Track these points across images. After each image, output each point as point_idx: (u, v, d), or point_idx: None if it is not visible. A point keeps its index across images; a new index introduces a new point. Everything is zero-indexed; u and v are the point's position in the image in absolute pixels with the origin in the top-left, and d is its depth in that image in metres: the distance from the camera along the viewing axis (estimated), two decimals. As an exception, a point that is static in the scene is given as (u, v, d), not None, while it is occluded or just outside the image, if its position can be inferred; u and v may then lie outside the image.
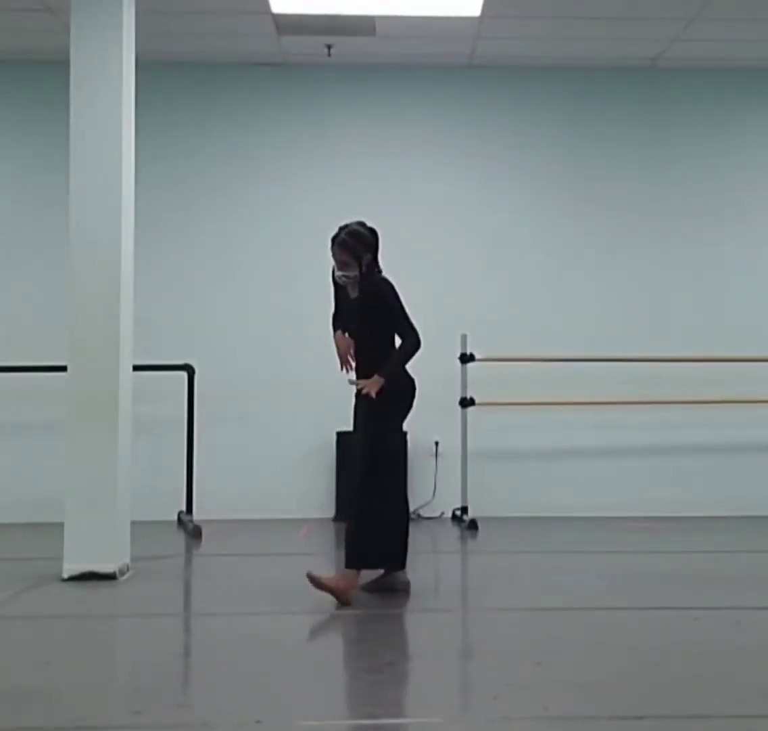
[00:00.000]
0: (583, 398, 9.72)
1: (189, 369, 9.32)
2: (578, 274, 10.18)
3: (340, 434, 9.72)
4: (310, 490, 9.89)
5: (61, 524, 6.78)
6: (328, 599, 5.95)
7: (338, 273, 6.33)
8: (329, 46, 9.58)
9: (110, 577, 6.68)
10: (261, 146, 10.14)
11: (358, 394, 6.35)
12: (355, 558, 6.11)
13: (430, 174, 10.16)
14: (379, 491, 6.16)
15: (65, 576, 6.69)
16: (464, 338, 9.47)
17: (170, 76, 9.99)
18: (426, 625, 5.69)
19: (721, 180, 10.31)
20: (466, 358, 9.43)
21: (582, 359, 9.66)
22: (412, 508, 9.76)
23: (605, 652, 4.95)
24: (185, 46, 9.67)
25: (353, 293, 6.36)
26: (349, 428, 9.47)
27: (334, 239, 6.36)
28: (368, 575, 6.28)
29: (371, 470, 6.16)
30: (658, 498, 9.93)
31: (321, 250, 10.03)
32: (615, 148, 10.26)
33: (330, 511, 9.79)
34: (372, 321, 6.30)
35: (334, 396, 9.76)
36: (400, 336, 6.34)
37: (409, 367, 6.35)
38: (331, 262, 6.36)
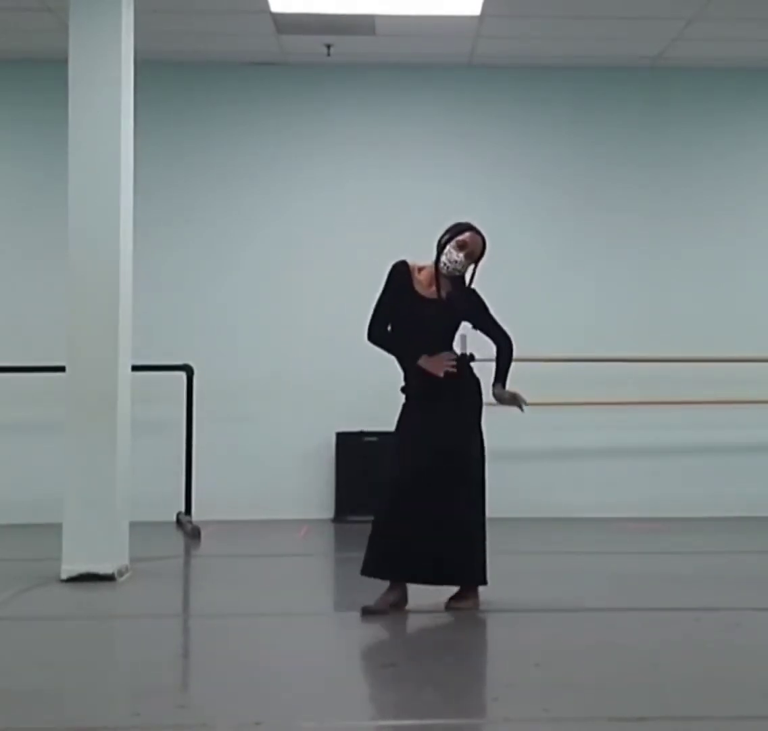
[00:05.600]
0: (583, 398, 9.70)
1: (188, 369, 9.31)
2: (578, 274, 10.16)
3: (339, 435, 9.70)
4: (309, 491, 9.86)
5: (60, 525, 6.77)
6: (327, 599, 5.94)
7: (456, 260, 5.91)
8: (329, 46, 9.55)
9: (109, 578, 6.65)
10: (260, 146, 10.12)
11: (423, 404, 5.91)
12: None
13: (429, 173, 10.14)
14: None
15: (64, 576, 6.67)
16: (464, 338, 9.41)
17: (169, 75, 9.95)
18: (426, 626, 5.68)
19: (721, 179, 10.29)
20: (466, 358, 9.39)
21: (582, 359, 9.65)
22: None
23: (606, 653, 4.95)
24: (184, 45, 9.65)
25: (435, 293, 5.93)
26: (349, 429, 9.61)
27: (467, 228, 6.02)
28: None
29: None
30: (659, 499, 9.90)
31: (321, 250, 10.14)
32: (615, 148, 10.24)
33: (329, 512, 9.76)
34: (457, 326, 6.12)
35: (334, 396, 9.80)
36: (497, 339, 6.23)
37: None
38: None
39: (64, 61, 6.96)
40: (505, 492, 9.84)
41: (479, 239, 6.01)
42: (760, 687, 4.37)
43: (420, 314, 5.90)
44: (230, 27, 9.22)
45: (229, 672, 4.64)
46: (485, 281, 10.05)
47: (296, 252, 10.05)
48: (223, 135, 10.15)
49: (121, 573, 6.77)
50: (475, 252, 5.99)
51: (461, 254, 5.92)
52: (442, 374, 5.86)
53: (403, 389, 6.00)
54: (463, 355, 6.16)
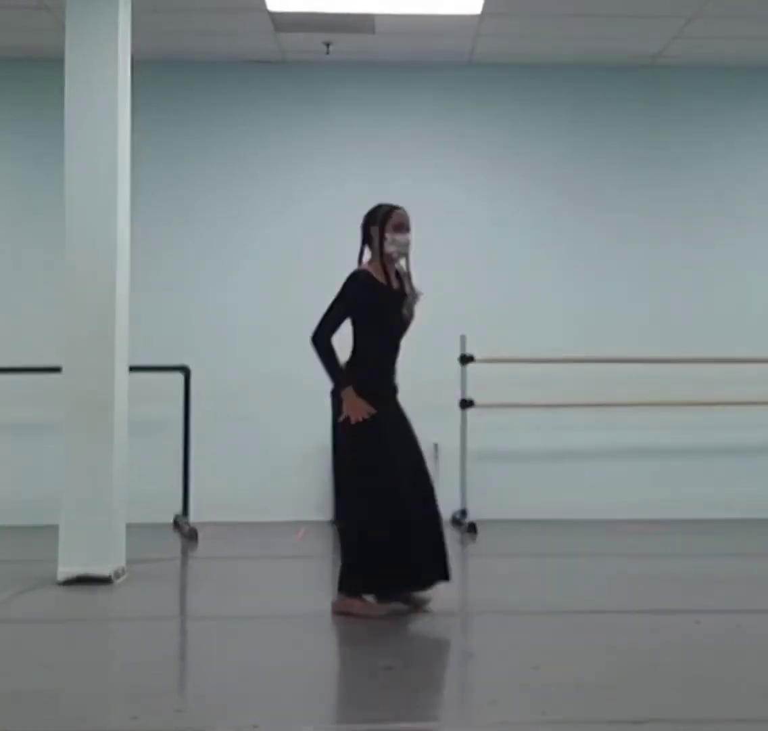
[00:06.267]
0: (583, 399, 9.68)
1: (185, 370, 9.29)
2: (578, 274, 10.15)
3: (338, 436, 9.67)
4: (307, 492, 9.84)
5: (57, 527, 6.75)
6: (325, 601, 5.92)
7: (404, 242, 5.85)
8: (328, 44, 9.54)
9: (106, 580, 6.63)
10: (259, 145, 10.11)
11: (390, 404, 5.89)
12: None
13: (429, 172, 10.12)
14: None
15: (60, 579, 6.65)
16: (464, 338, 9.44)
17: (166, 74, 9.93)
18: (425, 628, 5.66)
19: (721, 179, 10.28)
20: (465, 359, 9.41)
21: (582, 360, 9.63)
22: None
23: (605, 655, 4.93)
24: (182, 44, 9.63)
25: (397, 284, 5.91)
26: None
27: (389, 209, 5.90)
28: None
29: None
30: (659, 500, 9.89)
31: (321, 250, 10.11)
32: (615, 148, 10.23)
33: (327, 513, 9.73)
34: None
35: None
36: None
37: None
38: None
39: (60, 60, 6.94)
40: (504, 493, 9.85)
41: (404, 212, 5.92)
42: (761, 689, 4.36)
43: (400, 305, 5.86)
44: (228, 26, 9.20)
45: (227, 674, 4.63)
46: (486, 281, 10.10)
47: (296, 252, 10.03)
48: (221, 134, 10.13)
49: (117, 575, 6.75)
50: (409, 226, 5.90)
51: (405, 235, 5.86)
52: (349, 419, 5.75)
53: (359, 387, 5.77)
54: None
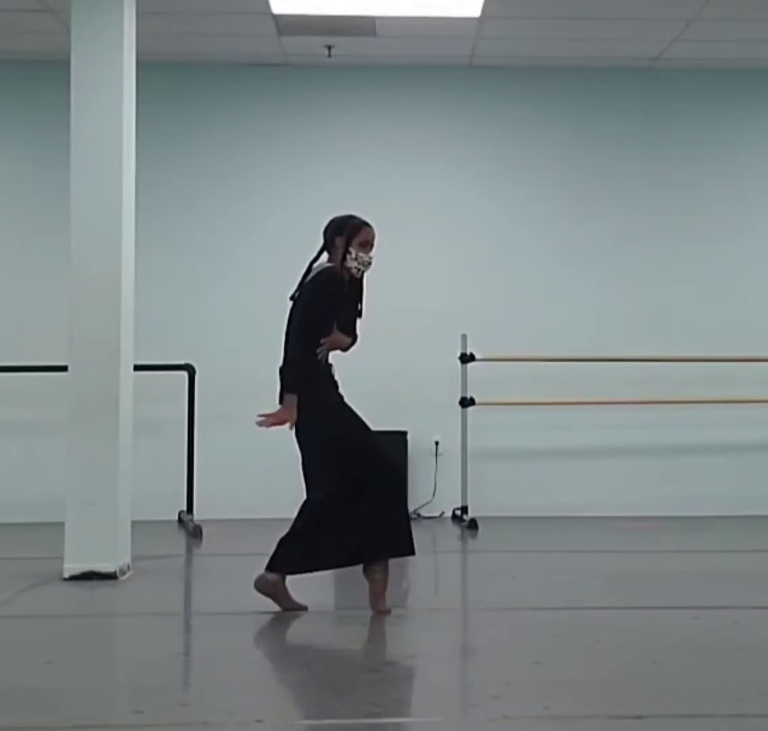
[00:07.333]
0: (583, 398, 9.72)
1: (189, 369, 9.32)
2: (578, 274, 10.18)
3: (340, 434, 9.70)
4: (310, 490, 9.86)
5: (61, 524, 6.78)
6: (327, 597, 5.95)
7: (368, 261, 5.77)
8: (330, 47, 9.57)
9: (111, 577, 6.67)
10: (261, 147, 10.14)
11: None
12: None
13: (430, 174, 10.16)
14: None
15: (66, 575, 6.68)
16: (464, 338, 9.48)
17: (170, 76, 9.97)
18: (426, 625, 5.69)
19: (721, 180, 10.31)
20: (466, 358, 9.44)
21: (582, 359, 9.66)
22: (412, 508, 9.79)
23: (605, 651, 4.95)
24: (186, 46, 9.67)
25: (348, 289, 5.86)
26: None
27: (359, 224, 5.79)
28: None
29: None
30: (658, 498, 9.92)
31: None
32: (615, 149, 10.26)
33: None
34: None
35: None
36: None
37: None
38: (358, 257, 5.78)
39: (65, 62, 6.97)
40: (504, 491, 9.89)
41: (373, 230, 5.81)
42: (759, 685, 4.38)
43: (352, 316, 5.88)
44: (232, 28, 9.23)
45: (230, 670, 4.65)
46: (486, 281, 10.13)
47: (297, 252, 9.97)
48: (224, 136, 10.17)
49: (122, 572, 6.79)
50: (374, 244, 5.80)
51: (370, 253, 5.77)
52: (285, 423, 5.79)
53: (314, 380, 5.83)
54: None
